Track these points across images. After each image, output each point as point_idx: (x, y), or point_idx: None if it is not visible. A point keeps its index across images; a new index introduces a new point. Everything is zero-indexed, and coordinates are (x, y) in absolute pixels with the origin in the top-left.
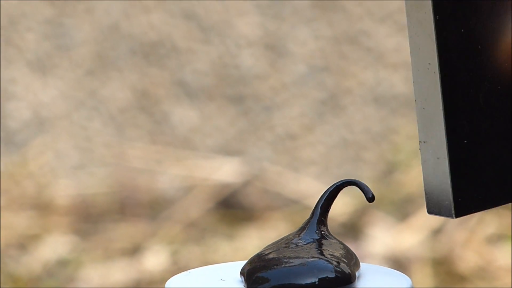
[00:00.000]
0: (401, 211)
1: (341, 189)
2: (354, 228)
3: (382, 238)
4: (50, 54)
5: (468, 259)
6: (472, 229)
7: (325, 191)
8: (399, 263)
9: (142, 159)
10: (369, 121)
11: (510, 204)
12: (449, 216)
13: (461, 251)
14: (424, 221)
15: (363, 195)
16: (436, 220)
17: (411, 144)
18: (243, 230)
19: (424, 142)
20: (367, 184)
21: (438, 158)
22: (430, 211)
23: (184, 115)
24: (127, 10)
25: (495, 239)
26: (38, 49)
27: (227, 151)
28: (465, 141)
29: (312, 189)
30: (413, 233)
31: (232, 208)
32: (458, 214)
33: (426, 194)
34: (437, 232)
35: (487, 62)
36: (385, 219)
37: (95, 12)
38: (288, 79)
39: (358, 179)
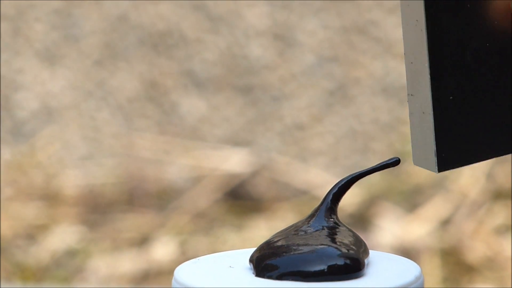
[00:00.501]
0: (410, 202)
1: (355, 181)
2: (363, 218)
3: (391, 229)
4: (59, 45)
5: (476, 249)
6: (480, 220)
7: (340, 180)
8: (407, 254)
9: (151, 150)
10: (378, 111)
11: None
12: (433, 170)
13: (469, 241)
14: (433, 211)
15: (372, 185)
16: (445, 210)
17: None
18: (252, 220)
19: (411, 95)
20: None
21: (423, 113)
22: (415, 163)
23: (192, 105)
24: (135, 1)
25: (504, 230)
26: (46, 40)
27: (236, 141)
28: (451, 97)
29: (320, 180)
30: (421, 224)
31: (240, 199)
32: (440, 169)
33: (412, 146)
34: (445, 223)
35: (475, 20)
36: (393, 209)
37: (104, 3)
38: (297, 69)
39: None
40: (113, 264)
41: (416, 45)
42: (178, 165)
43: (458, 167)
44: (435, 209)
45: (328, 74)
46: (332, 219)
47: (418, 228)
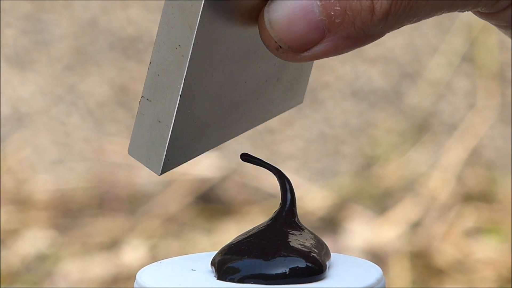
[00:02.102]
0: (380, 205)
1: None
2: (333, 222)
3: (361, 232)
4: (29, 49)
5: (446, 252)
6: (450, 223)
7: (286, 181)
8: (377, 257)
9: (121, 154)
10: (348, 115)
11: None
12: (155, 171)
13: (439, 244)
14: (403, 215)
15: (342, 188)
16: (414, 213)
17: (390, 138)
18: (222, 224)
19: (147, 99)
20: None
21: (159, 121)
22: (130, 153)
23: None
24: (105, 5)
25: (473, 233)
26: (16, 45)
27: None
28: (189, 111)
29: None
30: (391, 227)
31: (210, 203)
32: (163, 172)
33: (132, 138)
34: (415, 226)
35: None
36: (363, 213)
37: (74, 7)
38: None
39: (337, 173)
40: (84, 268)
41: (172, 65)
42: (148, 169)
43: (177, 166)
44: (405, 212)
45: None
46: (293, 222)
47: (388, 231)
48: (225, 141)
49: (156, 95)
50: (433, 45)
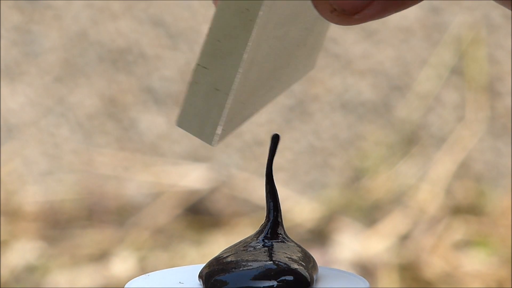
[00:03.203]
0: (369, 217)
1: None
2: (321, 234)
3: (349, 244)
4: (18, 61)
5: (434, 265)
6: (439, 236)
7: (267, 191)
8: (366, 269)
9: (110, 166)
10: (337, 127)
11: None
12: (208, 142)
13: (428, 257)
14: (391, 227)
15: (331, 201)
16: (403, 226)
17: (379, 150)
18: (211, 236)
19: (204, 67)
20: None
21: (217, 89)
22: (179, 125)
23: (152, 122)
24: (95, 17)
25: (462, 245)
26: (6, 56)
27: (195, 157)
28: (245, 78)
29: (279, 196)
30: (380, 239)
31: (199, 214)
32: (216, 143)
33: (183, 110)
34: (404, 238)
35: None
36: (352, 225)
37: (63, 19)
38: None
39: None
40: (72, 279)
41: (236, 29)
42: (137, 181)
43: (227, 136)
44: (393, 224)
45: (287, 91)
46: (280, 235)
47: (376, 243)
48: (260, 109)
49: (215, 62)
50: (422, 58)
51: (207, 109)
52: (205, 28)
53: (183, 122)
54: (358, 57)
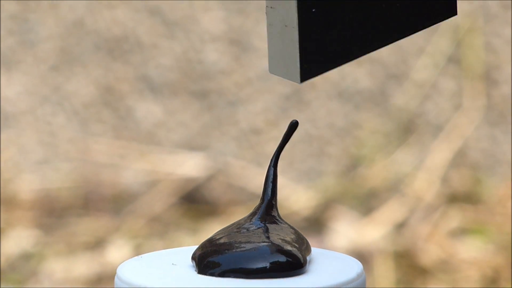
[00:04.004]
0: (365, 206)
1: (276, 165)
2: (318, 222)
3: (345, 232)
4: (15, 50)
5: (431, 252)
6: (435, 223)
7: (268, 174)
8: (362, 257)
9: (106, 154)
10: (333, 116)
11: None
12: (295, 80)
13: (424, 244)
14: (388, 215)
15: (327, 189)
16: (399, 214)
17: (375, 139)
18: (207, 224)
19: (271, 7)
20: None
21: (286, 26)
22: (272, 71)
23: (148, 110)
24: (91, 6)
25: (459, 233)
26: (2, 45)
27: (191, 146)
28: (313, 10)
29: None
30: (376, 227)
31: (196, 203)
32: (303, 79)
33: (269, 56)
34: (400, 226)
35: None
36: (348, 213)
37: (60, 8)
38: (253, 74)
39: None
40: (68, 267)
41: None
42: (133, 169)
43: (318, 75)
44: (390, 212)
45: (283, 79)
46: (273, 216)
47: (373, 231)
48: (372, 51)
49: (279, 0)
50: (419, 46)
51: (285, 48)
52: (202, 17)
53: (273, 67)
54: None
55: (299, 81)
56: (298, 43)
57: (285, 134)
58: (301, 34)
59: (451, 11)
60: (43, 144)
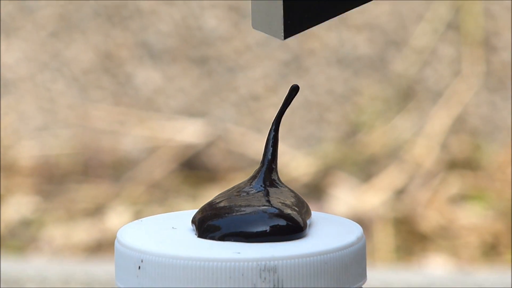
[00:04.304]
0: (364, 172)
1: (277, 129)
2: (317, 188)
3: (345, 199)
4: (14, 16)
5: (430, 218)
6: (435, 190)
7: (269, 138)
8: (361, 223)
9: (106, 121)
10: (333, 82)
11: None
12: (278, 37)
13: (423, 211)
14: (387, 181)
15: (327, 155)
16: (399, 180)
17: (375, 105)
18: (207, 191)
19: None
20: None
21: None
22: (254, 27)
23: (147, 77)
24: None
25: (458, 199)
26: (1, 12)
27: (191, 112)
28: None
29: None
30: (376, 194)
31: (195, 169)
32: (286, 35)
33: (252, 11)
34: (400, 193)
35: None
36: (348, 179)
37: None
38: (252, 41)
39: (322, 140)
40: (68, 233)
41: None
42: (133, 136)
43: (300, 31)
44: (389, 179)
45: (282, 45)
46: (273, 180)
47: (372, 197)
48: (354, 7)
49: None
50: (418, 13)
51: (268, 4)
52: None
53: (256, 23)
54: (354, 12)
55: (282, 37)
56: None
57: (285, 99)
58: None
59: None
60: (42, 111)
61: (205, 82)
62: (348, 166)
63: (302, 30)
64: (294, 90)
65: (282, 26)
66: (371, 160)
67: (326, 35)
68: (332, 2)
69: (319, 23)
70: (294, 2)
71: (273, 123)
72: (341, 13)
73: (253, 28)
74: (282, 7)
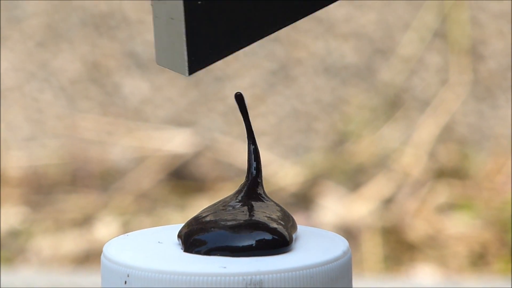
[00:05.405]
0: (352, 181)
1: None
2: (305, 198)
3: (333, 208)
4: (1, 26)
5: (418, 228)
6: (423, 199)
7: (249, 151)
8: (349, 232)
9: (94, 131)
10: (320, 91)
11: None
12: (182, 73)
13: (411, 220)
14: (375, 191)
15: (314, 165)
16: (387, 189)
17: (362, 114)
18: (195, 200)
19: (156, 0)
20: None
21: (172, 18)
22: (159, 63)
23: (135, 86)
24: None
25: (446, 209)
26: None
27: (179, 122)
28: (199, 2)
29: (263, 160)
30: (364, 203)
31: (183, 179)
32: (191, 72)
33: (156, 48)
34: (388, 202)
35: None
36: (336, 189)
37: None
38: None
39: (309, 149)
40: (56, 244)
41: None
42: (121, 146)
43: (206, 66)
44: (377, 188)
45: (270, 55)
46: (259, 194)
47: (360, 207)
48: (260, 38)
49: None
50: (405, 21)
51: (172, 40)
52: None
53: (160, 59)
54: (341, 21)
55: (187, 73)
56: (184, 36)
57: (240, 110)
58: (187, 27)
59: None
60: (30, 121)
61: (193, 92)
62: (336, 175)
63: (208, 65)
64: (238, 97)
65: (186, 63)
66: (359, 169)
67: (313, 44)
68: (236, 36)
69: (225, 57)
70: (197, 39)
71: (247, 137)
72: (249, 44)
73: (158, 64)
74: (185, 43)
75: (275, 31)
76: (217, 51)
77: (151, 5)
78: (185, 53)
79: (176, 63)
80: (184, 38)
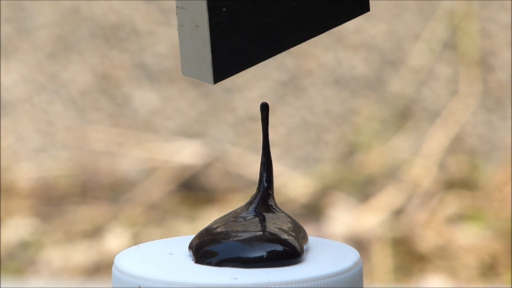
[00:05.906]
0: (362, 192)
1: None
2: (315, 209)
3: (343, 219)
4: (11, 38)
5: (428, 239)
6: (433, 210)
7: (262, 163)
8: (359, 244)
9: (104, 142)
10: (330, 102)
11: (469, 186)
12: (208, 81)
13: (421, 231)
14: (385, 202)
15: (324, 176)
16: (397, 200)
17: (372, 125)
18: (205, 212)
19: (181, 8)
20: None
21: (197, 26)
22: (185, 73)
23: (145, 98)
24: None
25: (456, 219)
26: None
27: (188, 133)
28: (224, 9)
29: (273, 171)
30: (374, 214)
31: (193, 190)
32: (216, 80)
33: (181, 58)
34: (398, 213)
35: None
36: (346, 200)
37: None
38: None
39: (319, 160)
40: (66, 256)
41: None
42: (131, 157)
43: (231, 75)
44: (387, 199)
45: (280, 66)
46: (270, 205)
47: (370, 218)
48: (285, 49)
49: (189, 1)
50: (415, 32)
51: (197, 49)
52: None
53: (186, 69)
54: (351, 32)
55: (212, 82)
56: (209, 44)
57: (261, 119)
58: (212, 34)
59: (364, 7)
60: (40, 132)
61: (203, 103)
62: (345, 186)
63: (233, 74)
64: (264, 107)
65: (211, 71)
66: (369, 180)
67: (323, 55)
68: (262, 45)
69: (250, 66)
70: (222, 46)
71: (262, 147)
72: (270, 57)
73: (184, 75)
74: (210, 50)
75: (300, 43)
76: (243, 60)
77: (176, 14)
78: (210, 61)
79: (201, 72)
80: (209, 46)
